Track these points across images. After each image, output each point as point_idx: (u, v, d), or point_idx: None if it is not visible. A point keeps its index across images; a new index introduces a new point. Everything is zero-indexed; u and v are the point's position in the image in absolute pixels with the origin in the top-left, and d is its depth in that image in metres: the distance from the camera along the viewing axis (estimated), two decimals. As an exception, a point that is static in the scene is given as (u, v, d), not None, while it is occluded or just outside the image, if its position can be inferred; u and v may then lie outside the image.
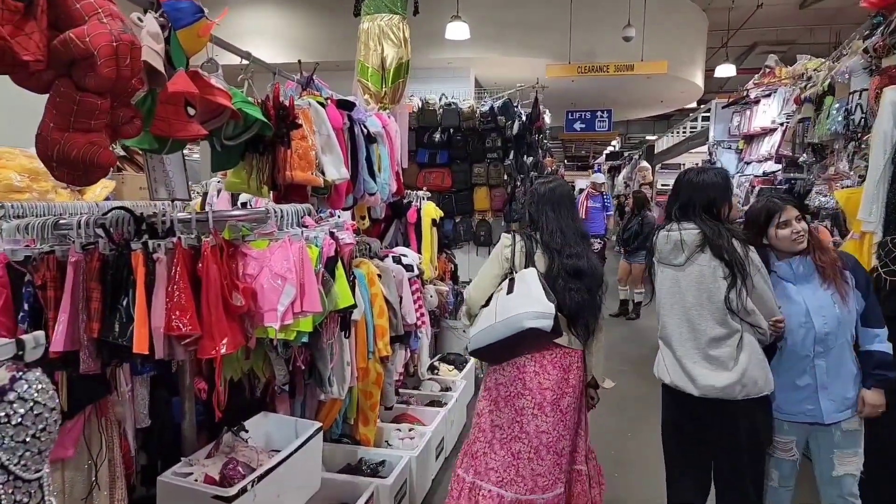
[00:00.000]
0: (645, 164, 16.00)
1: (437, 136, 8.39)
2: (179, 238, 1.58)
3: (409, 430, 2.94)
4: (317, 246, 1.82)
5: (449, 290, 4.33)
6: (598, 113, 14.34)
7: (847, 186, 4.16)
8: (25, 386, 0.72)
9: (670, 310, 2.06)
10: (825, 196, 4.86)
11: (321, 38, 9.68)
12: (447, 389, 3.66)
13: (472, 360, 4.26)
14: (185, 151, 2.15)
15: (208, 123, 1.90)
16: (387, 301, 2.87)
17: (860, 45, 4.00)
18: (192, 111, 1.61)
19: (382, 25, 3.58)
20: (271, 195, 2.41)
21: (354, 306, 1.94)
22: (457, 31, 8.51)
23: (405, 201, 3.72)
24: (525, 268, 2.19)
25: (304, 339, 1.83)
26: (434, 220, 3.67)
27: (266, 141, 2.20)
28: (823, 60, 5.74)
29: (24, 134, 3.21)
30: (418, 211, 3.67)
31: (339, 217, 2.26)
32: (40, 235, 1.62)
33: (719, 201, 2.05)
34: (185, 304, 1.52)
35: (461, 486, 2.26)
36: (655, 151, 16.15)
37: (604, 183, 8.83)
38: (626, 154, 20.35)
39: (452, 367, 3.97)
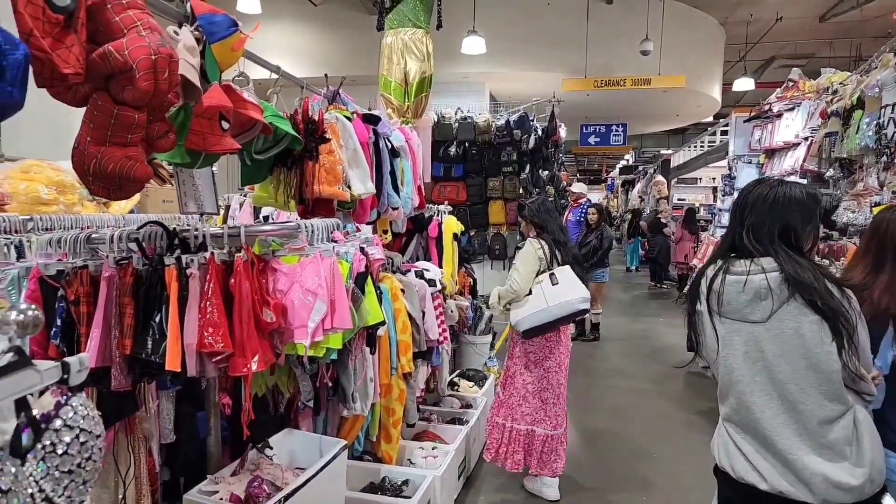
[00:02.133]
0: (660, 178, 15.88)
1: (453, 149, 8.42)
2: (213, 253, 1.56)
3: (433, 448, 2.88)
4: (347, 261, 1.78)
5: (469, 304, 4.28)
6: (614, 127, 14.30)
7: (878, 203, 4.07)
8: (71, 413, 0.69)
9: (751, 384, 1.51)
10: (854, 212, 4.77)
11: (342, 54, 9.76)
12: (468, 406, 3.60)
13: (492, 377, 4.20)
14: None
15: (240, 137, 1.89)
16: (410, 316, 2.84)
17: (890, 59, 3.93)
18: (225, 125, 1.59)
19: (406, 40, 3.58)
20: (297, 209, 2.40)
21: (383, 322, 1.90)
22: (473, 45, 8.55)
23: (427, 215, 3.69)
24: (549, 262, 3.04)
25: (334, 356, 1.79)
26: (455, 235, 3.64)
27: (294, 155, 2.18)
28: (850, 74, 5.67)
29: (52, 147, 3.24)
30: (440, 225, 3.64)
31: (366, 232, 2.23)
32: (73, 249, 1.60)
33: (804, 227, 1.51)
34: (217, 320, 1.50)
35: (501, 431, 3.08)
36: (671, 166, 16.03)
37: (582, 193, 7.99)
38: (640, 168, 20.23)
39: (472, 383, 3.91)
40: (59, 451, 0.66)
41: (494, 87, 10.74)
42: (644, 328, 7.74)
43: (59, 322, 1.45)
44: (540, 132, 8.50)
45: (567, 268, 3.02)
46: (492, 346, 4.51)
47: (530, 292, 2.96)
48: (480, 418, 3.46)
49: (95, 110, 1.33)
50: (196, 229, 1.62)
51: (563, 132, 10.36)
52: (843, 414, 1.46)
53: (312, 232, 1.82)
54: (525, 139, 8.29)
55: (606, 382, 5.22)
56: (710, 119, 16.10)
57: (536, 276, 3.01)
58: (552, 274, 3.00)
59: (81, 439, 0.69)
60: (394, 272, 3.03)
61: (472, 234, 8.27)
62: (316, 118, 2.16)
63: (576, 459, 3.65)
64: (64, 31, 1.26)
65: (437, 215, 3.70)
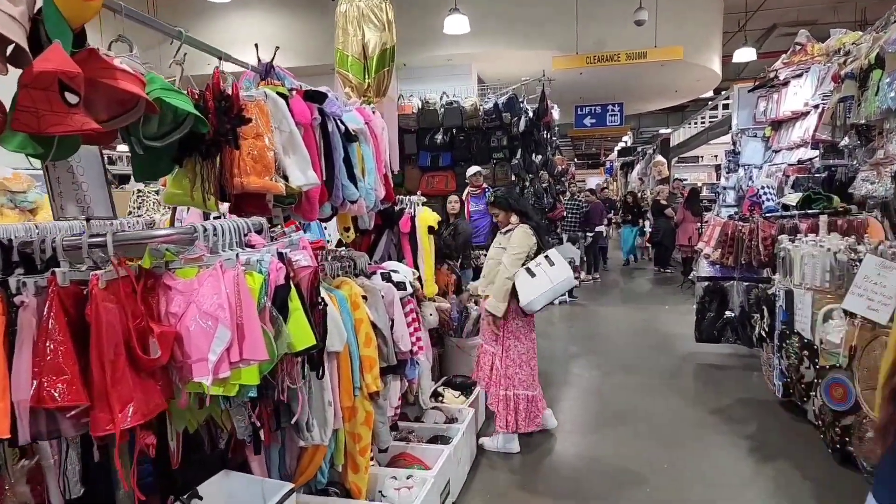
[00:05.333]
0: (660, 158, 15.41)
1: (440, 137, 7.99)
2: (54, 273, 1.16)
3: (408, 477, 2.49)
4: (261, 273, 1.38)
5: (453, 305, 3.88)
6: (609, 107, 13.81)
7: (903, 171, 3.65)
8: None
9: None
10: (873, 183, 4.35)
11: (316, 42, 9.29)
12: (452, 421, 3.21)
13: (481, 385, 3.80)
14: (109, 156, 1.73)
15: (120, 119, 1.48)
16: (375, 327, 2.44)
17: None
18: (72, 98, 1.18)
19: (362, 7, 3.15)
20: (224, 208, 1.99)
21: (316, 347, 1.50)
22: (456, 24, 8.07)
23: (397, 208, 3.28)
24: (537, 246, 3.33)
25: (252, 394, 1.40)
26: (431, 228, 3.23)
27: (208, 141, 1.77)
28: (863, 33, 5.21)
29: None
30: (412, 218, 3.23)
31: (295, 233, 1.82)
32: None
33: None
34: (62, 364, 1.10)
35: (506, 400, 3.36)
36: (671, 145, 15.54)
37: (481, 174, 6.64)
38: (639, 149, 19.74)
39: (459, 392, 3.52)
40: None
41: (481, 68, 10.27)
42: (647, 317, 7.34)
43: None
44: (531, 114, 8.06)
45: (554, 250, 3.35)
46: (482, 349, 4.11)
47: (531, 274, 3.19)
48: (467, 433, 3.07)
49: None
50: (43, 241, 1.21)
51: (555, 113, 9.91)
52: None
53: (216, 235, 1.41)
54: (515, 122, 7.84)
55: (612, 380, 4.83)
56: (710, 94, 15.57)
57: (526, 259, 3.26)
58: (546, 256, 3.27)
59: None
60: (356, 276, 2.63)
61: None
62: (229, 93, 1.74)
63: (581, 468, 3.26)
64: None
65: (410, 207, 3.29)
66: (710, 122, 12.97)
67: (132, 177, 1.69)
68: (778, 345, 3.94)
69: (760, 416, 3.99)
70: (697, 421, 3.94)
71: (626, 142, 24.69)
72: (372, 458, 2.62)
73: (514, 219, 3.39)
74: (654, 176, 15.57)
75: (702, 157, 15.70)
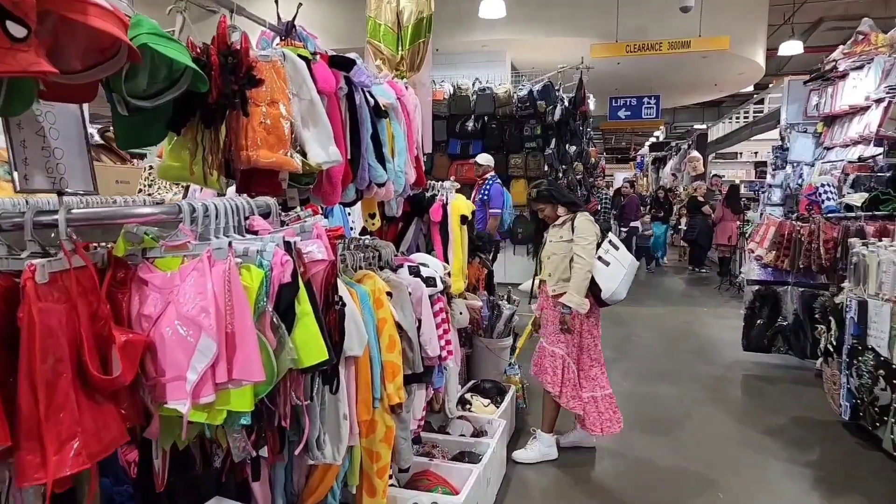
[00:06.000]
0: (696, 153, 14.80)
1: (471, 124, 7.68)
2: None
3: (432, 503, 2.19)
4: (261, 267, 1.08)
5: (483, 303, 3.55)
6: (645, 99, 13.28)
7: None
8: None
9: None
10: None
11: (342, 22, 8.98)
12: (481, 434, 2.90)
13: (513, 390, 3.48)
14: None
15: (97, 70, 1.18)
16: (399, 328, 2.14)
17: None
18: (18, 30, 0.89)
19: (397, -31, 2.83)
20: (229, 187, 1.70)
21: (329, 363, 1.19)
22: (491, 8, 7.68)
23: (428, 195, 2.96)
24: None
25: (245, 421, 1.10)
26: (464, 218, 2.91)
27: (212, 105, 1.47)
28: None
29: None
30: (444, 206, 2.91)
31: (310, 218, 1.51)
32: None
33: None
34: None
35: (593, 403, 3.16)
36: (709, 140, 14.89)
37: (489, 167, 5.48)
38: (672, 144, 19.06)
39: (488, 401, 3.20)
40: None
41: (515, 56, 9.85)
42: (686, 320, 6.90)
43: None
44: (567, 103, 7.67)
45: (612, 234, 3.17)
46: (513, 351, 3.79)
47: (605, 263, 3.02)
48: (497, 449, 2.75)
49: None
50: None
51: (591, 103, 9.48)
52: None
53: (207, 216, 1.11)
54: (550, 111, 7.47)
55: (649, 390, 4.45)
56: (751, 89, 14.87)
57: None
58: (610, 241, 3.10)
59: None
60: (381, 268, 2.32)
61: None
62: (238, 47, 1.44)
63: (621, 494, 2.92)
64: None
65: (442, 194, 2.97)
66: (754, 116, 12.30)
67: (117, 144, 1.39)
68: (847, 361, 3.53)
69: (823, 440, 3.58)
70: (750, 442, 3.55)
71: (657, 137, 23.97)
72: (391, 477, 2.33)
73: (561, 210, 3.11)
74: (688, 172, 14.97)
75: (741, 153, 15.01)
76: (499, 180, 5.39)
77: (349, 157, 2.05)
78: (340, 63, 2.01)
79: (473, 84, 7.81)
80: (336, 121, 1.95)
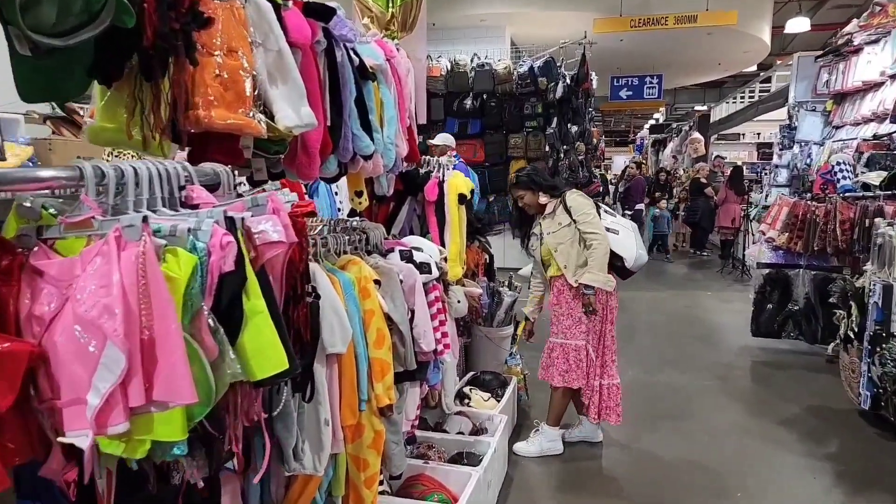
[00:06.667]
0: (697, 135, 14.47)
1: (469, 102, 7.34)
2: None
3: (426, 513, 1.95)
4: (194, 251, 0.81)
5: (483, 289, 3.30)
6: (648, 79, 12.96)
7: None
8: None
9: None
10: None
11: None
12: (481, 431, 2.66)
13: (514, 382, 3.25)
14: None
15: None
16: (389, 320, 1.88)
17: None
18: None
19: (385, -88, 2.52)
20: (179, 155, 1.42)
21: (289, 373, 0.92)
22: (490, -22, 7.30)
23: (422, 171, 2.69)
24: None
25: (178, 451, 0.84)
26: (462, 197, 2.63)
27: (150, 50, 1.19)
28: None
29: None
30: (440, 184, 2.63)
31: (273, 187, 1.23)
32: None
33: None
34: None
35: (609, 391, 2.95)
36: (711, 121, 14.56)
37: (447, 146, 4.69)
38: (673, 126, 18.72)
39: (488, 394, 2.96)
40: None
41: (515, 31, 9.48)
42: (689, 304, 6.69)
43: None
44: (568, 80, 7.34)
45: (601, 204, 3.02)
46: (514, 340, 3.54)
47: (615, 232, 2.85)
48: (499, 450, 2.51)
49: None
50: None
51: (594, 81, 9.15)
52: None
53: (123, 184, 0.84)
54: (552, 88, 7.14)
55: (655, 378, 4.22)
56: (754, 69, 14.53)
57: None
58: (605, 210, 2.96)
59: None
60: (368, 253, 2.06)
61: (490, 199, 7.25)
62: (180, -23, 1.15)
63: (631, 493, 2.70)
64: None
65: (438, 171, 2.69)
66: (759, 95, 11.97)
67: (19, 95, 1.10)
68: (870, 348, 3.30)
69: (841, 431, 3.38)
70: (764, 434, 3.33)
71: (657, 119, 23.61)
72: (381, 484, 2.09)
73: (543, 198, 2.86)
74: (689, 154, 14.66)
75: (743, 134, 14.68)
76: (461, 160, 4.90)
77: (329, 123, 1.77)
78: (317, 12, 1.72)
79: (472, 60, 7.46)
80: (312, 79, 1.66)
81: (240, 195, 1.20)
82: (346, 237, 2.00)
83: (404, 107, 2.32)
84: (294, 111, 1.49)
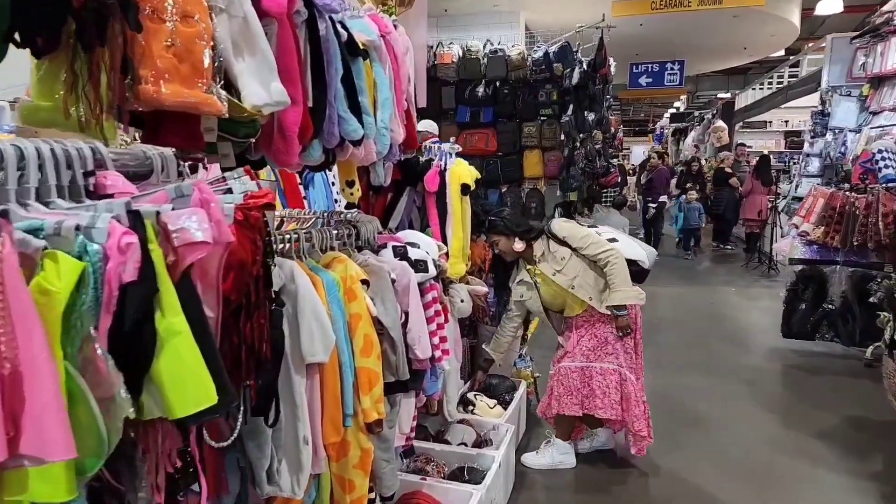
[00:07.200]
0: (720, 123, 13.97)
1: (481, 90, 7.06)
2: None
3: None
4: (84, 256, 0.62)
5: (490, 286, 3.08)
6: (669, 65, 12.53)
7: None
8: None
9: None
10: None
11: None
12: (484, 443, 2.46)
13: (523, 387, 3.05)
14: None
15: None
16: (379, 325, 1.69)
17: None
18: None
19: None
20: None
21: (222, 407, 0.72)
22: (504, -39, 7.02)
23: (422, 159, 2.48)
24: None
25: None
26: (466, 187, 2.42)
27: (81, 12, 1.01)
28: None
29: None
30: (441, 173, 2.42)
31: (239, 180, 1.04)
32: None
33: None
34: None
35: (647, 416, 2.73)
36: (736, 108, 14.06)
37: (424, 132, 4.16)
38: (695, 114, 18.19)
39: (494, 401, 2.76)
40: None
41: (530, 16, 9.17)
42: (714, 301, 6.39)
43: None
44: (585, 66, 7.03)
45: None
46: (524, 340, 3.33)
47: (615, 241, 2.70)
48: (504, 465, 2.31)
49: None
50: None
51: (612, 66, 8.82)
52: None
53: (2, 169, 0.65)
54: (567, 74, 6.84)
55: (680, 381, 3.97)
56: (782, 53, 13.97)
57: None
58: (591, 227, 2.87)
59: None
60: (358, 249, 1.87)
61: (503, 190, 7.01)
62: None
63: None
64: None
65: (439, 159, 2.48)
66: (788, 81, 11.48)
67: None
68: (916, 355, 3.03)
69: (886, 445, 3.10)
70: (800, 449, 3.07)
71: (678, 107, 23.02)
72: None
73: (518, 244, 2.66)
74: (712, 143, 14.19)
75: (770, 122, 14.16)
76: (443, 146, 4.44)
77: (310, 104, 1.57)
78: (296, -22, 1.52)
79: (484, 46, 7.19)
80: (289, 53, 1.46)
81: (223, 179, 1.01)
82: (335, 232, 1.81)
83: (401, 88, 2.11)
84: (263, 87, 1.29)
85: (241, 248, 0.90)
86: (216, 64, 1.22)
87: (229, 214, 0.90)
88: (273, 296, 1.04)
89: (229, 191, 1.02)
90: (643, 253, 2.71)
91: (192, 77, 1.17)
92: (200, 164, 1.29)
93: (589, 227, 2.81)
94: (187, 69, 1.17)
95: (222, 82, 1.22)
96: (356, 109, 1.77)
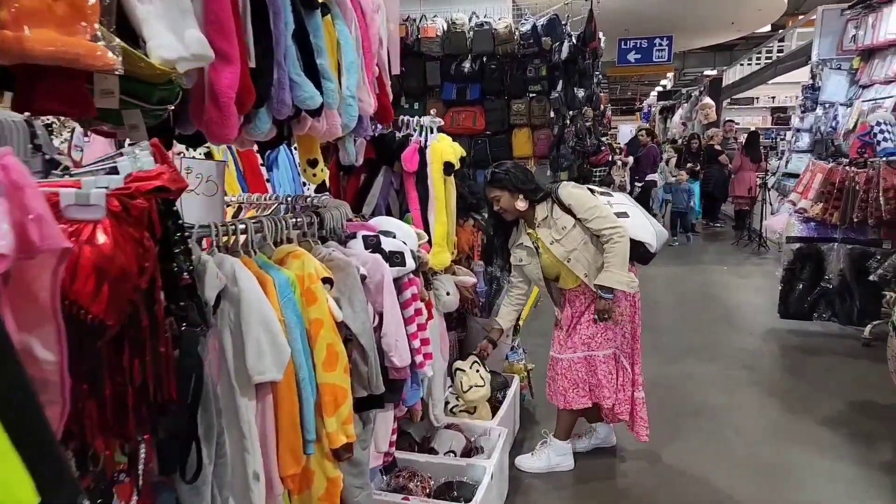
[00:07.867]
0: (708, 100, 13.76)
1: (467, 65, 6.74)
2: None
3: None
4: None
5: (479, 275, 2.83)
6: (657, 41, 12.32)
7: None
8: None
9: None
10: None
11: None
12: (475, 451, 2.22)
13: (516, 383, 2.81)
14: None
15: None
16: (347, 331, 1.42)
17: None
18: None
19: None
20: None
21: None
22: (487, -73, 6.64)
23: (399, 135, 2.19)
24: None
25: None
26: (449, 166, 2.13)
27: None
28: None
29: None
30: (421, 151, 2.12)
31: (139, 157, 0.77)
32: None
33: None
34: None
35: (642, 404, 2.56)
36: (723, 84, 13.86)
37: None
38: (682, 92, 17.98)
39: (489, 375, 2.48)
40: None
41: (515, -11, 8.79)
42: (705, 281, 6.22)
43: None
44: (574, 39, 6.74)
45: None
46: (516, 331, 3.08)
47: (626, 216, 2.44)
48: (497, 475, 2.07)
49: None
50: None
51: (602, 40, 8.52)
52: None
53: None
54: (556, 48, 6.54)
55: (676, 369, 3.78)
56: (768, 29, 13.75)
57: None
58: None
59: None
60: (322, 241, 1.59)
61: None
62: None
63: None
64: None
65: (419, 134, 2.19)
66: (777, 55, 11.26)
67: None
68: (929, 338, 2.84)
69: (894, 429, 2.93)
70: (808, 437, 2.89)
71: (665, 85, 22.80)
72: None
73: (521, 203, 2.36)
74: (699, 120, 14.00)
75: (757, 98, 13.99)
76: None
77: (252, 63, 1.27)
78: None
79: (470, 19, 6.86)
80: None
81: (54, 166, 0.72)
82: (293, 220, 1.53)
83: (371, 51, 1.81)
84: (176, 36, 1.00)
85: (118, 251, 0.62)
86: (107, 2, 0.92)
87: (98, 204, 0.62)
88: (182, 311, 0.76)
89: (114, 170, 0.74)
90: (652, 234, 2.43)
91: (70, 18, 0.87)
92: (83, 135, 0.99)
93: (602, 194, 2.50)
94: (64, 9, 0.88)
95: (114, 27, 0.92)
96: (313, 73, 1.48)
